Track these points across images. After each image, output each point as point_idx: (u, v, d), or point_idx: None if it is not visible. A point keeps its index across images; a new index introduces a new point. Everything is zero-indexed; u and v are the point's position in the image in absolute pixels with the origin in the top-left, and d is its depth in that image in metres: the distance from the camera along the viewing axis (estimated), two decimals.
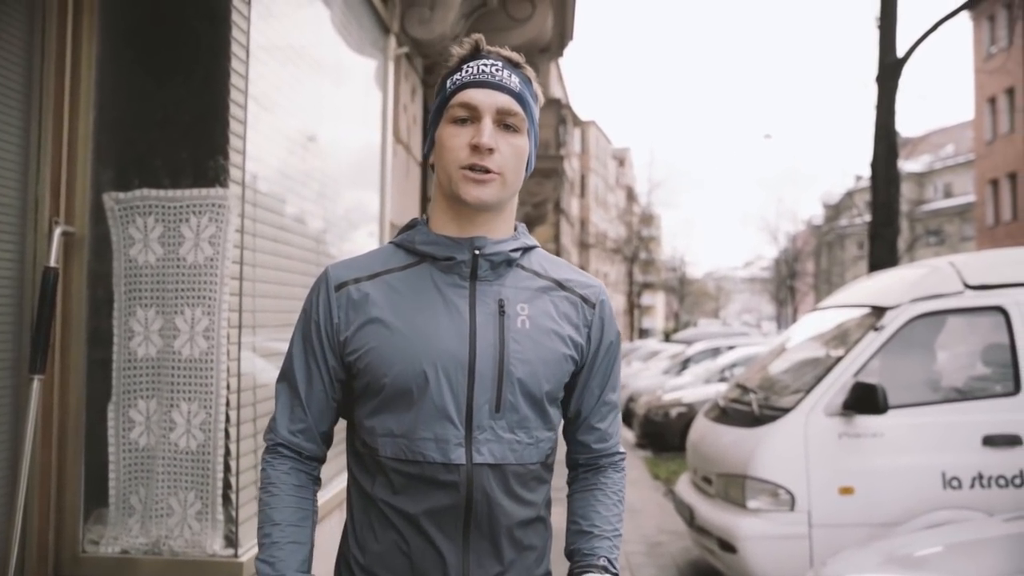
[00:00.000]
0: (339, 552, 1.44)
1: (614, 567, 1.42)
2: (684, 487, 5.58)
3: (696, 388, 12.08)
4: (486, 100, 1.32)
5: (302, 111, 3.14)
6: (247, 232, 2.55)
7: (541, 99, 1.42)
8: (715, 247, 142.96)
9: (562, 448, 1.51)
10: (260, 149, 2.68)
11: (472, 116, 1.33)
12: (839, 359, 4.64)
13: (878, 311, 4.75)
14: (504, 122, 1.33)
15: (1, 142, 2.19)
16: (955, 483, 4.29)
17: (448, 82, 1.36)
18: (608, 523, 1.47)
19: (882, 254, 8.62)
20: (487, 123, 1.31)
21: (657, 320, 69.44)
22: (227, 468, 2.39)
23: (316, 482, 1.43)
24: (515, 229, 1.44)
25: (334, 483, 3.06)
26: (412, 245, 1.40)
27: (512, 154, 1.34)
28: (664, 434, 11.04)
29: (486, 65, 1.34)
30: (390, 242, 1.45)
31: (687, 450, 5.92)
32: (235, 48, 2.44)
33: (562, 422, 1.47)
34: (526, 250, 1.42)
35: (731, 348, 15.22)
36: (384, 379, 1.31)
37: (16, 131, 2.25)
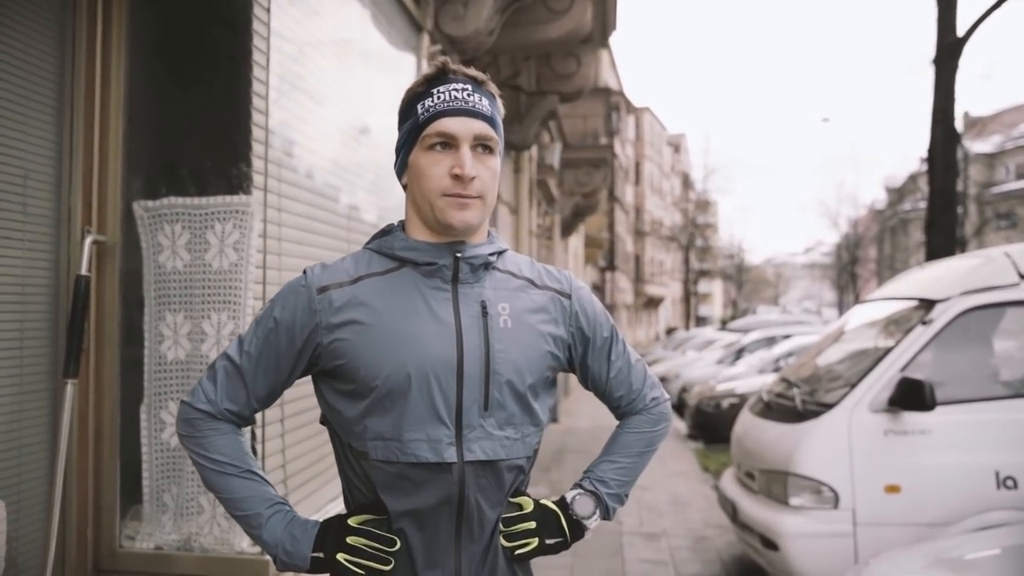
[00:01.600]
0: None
1: (608, 486, 1.54)
2: (728, 482, 5.51)
3: (749, 379, 11.87)
4: (462, 128, 1.35)
5: (331, 114, 3.18)
6: (272, 236, 2.61)
7: (502, 110, 1.46)
8: (774, 233, 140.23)
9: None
10: (287, 154, 2.73)
11: (449, 143, 1.36)
12: (885, 354, 4.51)
13: (927, 304, 4.60)
14: (479, 148, 1.37)
15: (35, 155, 2.28)
16: (1010, 483, 4.14)
17: (419, 107, 1.38)
18: (616, 448, 1.58)
19: (940, 242, 8.33)
20: (466, 152, 1.35)
21: (715, 308, 68.53)
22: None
23: (242, 434, 1.48)
24: (488, 234, 1.48)
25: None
26: (391, 251, 1.42)
27: (490, 176, 1.39)
28: (715, 426, 10.89)
29: (457, 90, 1.37)
30: (366, 247, 1.47)
31: (731, 445, 5.84)
32: (256, 56, 2.48)
33: (548, 414, 1.50)
34: (500, 253, 1.47)
35: (787, 337, 14.91)
36: (373, 383, 1.33)
37: (49, 144, 2.33)
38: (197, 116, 2.53)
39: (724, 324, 32.26)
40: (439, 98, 1.36)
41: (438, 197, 1.35)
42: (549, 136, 11.95)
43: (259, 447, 2.51)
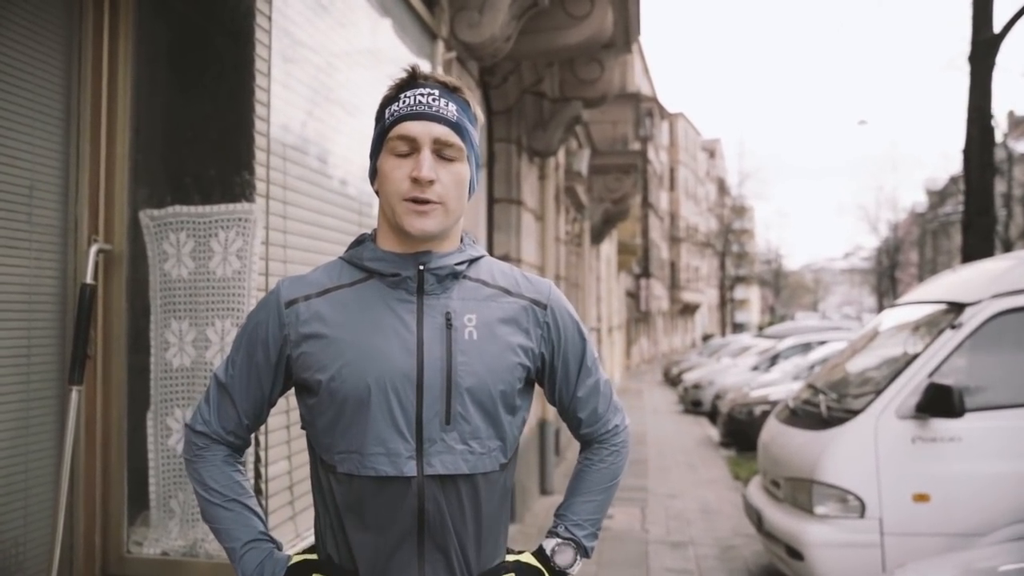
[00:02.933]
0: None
1: (583, 527, 1.52)
2: (754, 490, 5.42)
3: (783, 385, 11.68)
4: (423, 132, 1.35)
5: (340, 122, 3.19)
6: (277, 244, 2.62)
7: (480, 119, 1.45)
8: (812, 238, 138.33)
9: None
10: (293, 162, 2.75)
11: (411, 147, 1.35)
12: (913, 358, 4.40)
13: (956, 307, 4.48)
14: (441, 153, 1.36)
15: (42, 166, 2.32)
16: None
17: (387, 112, 1.39)
18: (585, 487, 1.56)
19: (977, 244, 8.12)
20: (426, 155, 1.34)
21: (752, 314, 67.71)
22: (257, 475, 2.46)
23: (240, 461, 1.52)
24: (461, 241, 1.46)
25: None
26: (360, 261, 1.42)
27: (453, 182, 1.37)
28: (748, 433, 10.70)
29: (422, 95, 1.37)
30: (340, 256, 1.48)
31: (758, 452, 5.75)
32: (258, 65, 2.50)
33: (521, 427, 1.48)
34: (472, 261, 1.45)
35: (822, 343, 14.66)
36: (336, 396, 1.34)
37: (56, 155, 2.37)
38: (201, 125, 2.56)
39: (761, 330, 31.84)
40: (404, 102, 1.37)
41: (399, 201, 1.35)
42: (577, 142, 11.92)
43: (263, 454, 2.52)
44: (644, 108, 31.17)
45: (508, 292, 1.45)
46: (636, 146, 16.70)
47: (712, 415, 14.93)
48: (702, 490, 8.49)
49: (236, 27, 2.53)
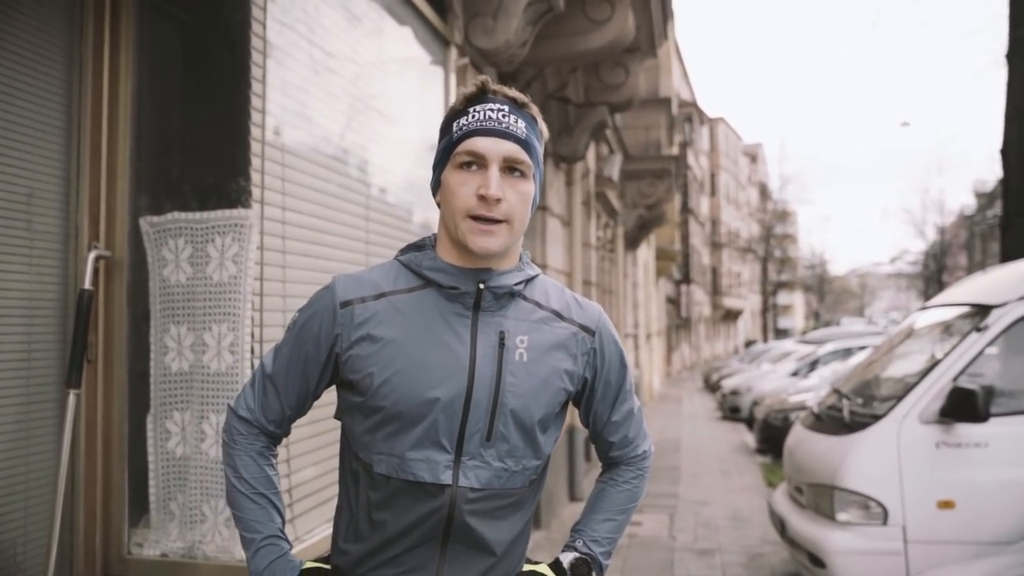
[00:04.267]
0: (332, 546, 1.51)
1: (601, 545, 1.54)
2: (779, 497, 5.32)
3: (821, 392, 11.47)
4: (493, 148, 1.35)
5: (345, 127, 3.23)
6: (275, 249, 2.66)
7: (546, 134, 1.45)
8: (856, 242, 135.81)
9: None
10: (293, 168, 2.78)
11: (479, 163, 1.35)
12: (937, 362, 4.29)
13: (983, 310, 4.36)
14: (510, 167, 1.36)
15: (43, 174, 2.38)
16: None
17: (455, 126, 1.39)
18: (606, 506, 1.58)
19: (1016, 246, 7.86)
20: (494, 172, 1.34)
21: (796, 319, 66.65)
22: None
23: (274, 454, 1.54)
24: (520, 259, 1.47)
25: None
26: (419, 269, 1.43)
27: (519, 201, 1.37)
28: (782, 439, 10.48)
29: (492, 110, 1.37)
30: (396, 259, 1.49)
31: (783, 458, 5.65)
32: (254, 72, 2.55)
33: (555, 443, 1.51)
34: (528, 281, 1.46)
35: (863, 348, 14.35)
36: (383, 402, 1.36)
37: (57, 163, 2.44)
38: (199, 133, 2.61)
39: (803, 335, 31.30)
40: (474, 117, 1.37)
41: (463, 218, 1.35)
42: (608, 148, 11.88)
43: None
44: (683, 113, 30.93)
45: (560, 316, 1.47)
46: (673, 151, 16.58)
47: (750, 421, 14.70)
48: (734, 497, 8.36)
49: (231, 36, 2.58)
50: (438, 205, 1.44)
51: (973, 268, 37.52)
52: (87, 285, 2.37)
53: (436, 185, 1.44)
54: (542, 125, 1.44)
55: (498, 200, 1.33)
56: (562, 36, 5.95)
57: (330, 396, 1.51)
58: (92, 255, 2.41)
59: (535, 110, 1.42)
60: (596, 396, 1.52)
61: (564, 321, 1.46)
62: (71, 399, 2.31)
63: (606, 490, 1.60)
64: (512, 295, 1.41)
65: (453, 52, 4.39)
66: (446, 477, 1.34)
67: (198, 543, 2.49)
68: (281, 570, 1.41)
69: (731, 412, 16.36)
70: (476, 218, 1.33)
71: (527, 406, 1.38)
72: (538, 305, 1.45)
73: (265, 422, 1.47)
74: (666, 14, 7.94)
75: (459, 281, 1.38)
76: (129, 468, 2.55)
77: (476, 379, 1.35)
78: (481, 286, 1.37)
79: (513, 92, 1.41)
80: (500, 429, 1.36)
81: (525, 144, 1.37)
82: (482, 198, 1.32)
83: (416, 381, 1.34)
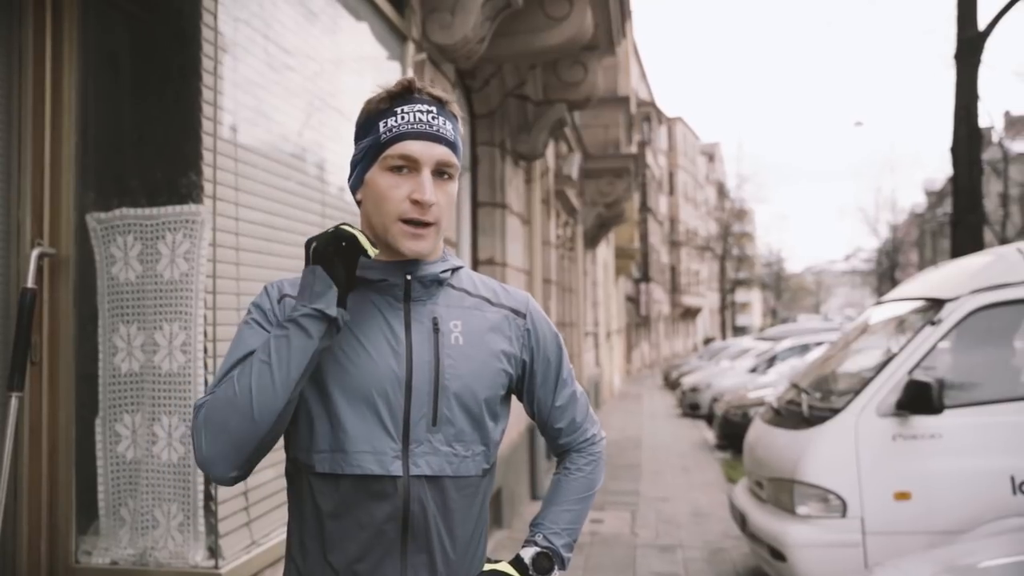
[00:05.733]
0: (285, 564, 1.45)
1: (561, 536, 1.51)
2: (739, 492, 5.37)
3: (780, 387, 11.63)
4: (426, 152, 1.34)
5: (299, 122, 3.16)
6: (228, 246, 2.58)
7: (461, 131, 1.45)
8: (813, 241, 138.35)
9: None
10: (246, 163, 2.71)
11: (410, 166, 1.35)
12: (893, 356, 4.35)
13: (936, 303, 4.43)
14: (440, 173, 1.37)
15: None
16: None
17: (382, 126, 1.36)
18: (562, 496, 1.56)
19: (966, 242, 8.07)
20: (427, 176, 1.34)
21: (754, 317, 67.60)
22: (207, 480, 2.41)
23: None
24: (442, 252, 1.48)
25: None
26: None
27: (447, 202, 1.39)
28: (742, 435, 10.56)
29: (422, 112, 1.36)
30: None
31: (744, 454, 5.70)
32: (205, 64, 2.47)
33: (502, 437, 1.50)
34: (454, 270, 1.47)
35: (820, 344, 14.59)
36: (323, 395, 1.34)
37: None
38: (148, 126, 2.52)
39: (762, 333, 31.75)
40: (403, 119, 1.35)
41: (394, 221, 1.35)
42: (568, 146, 11.89)
43: None
44: (642, 113, 31.12)
45: (490, 302, 1.48)
46: (632, 150, 16.66)
47: (709, 418, 14.85)
48: (694, 493, 8.43)
49: (181, 28, 2.50)
50: (358, 203, 1.44)
51: (924, 265, 38.44)
52: (30, 284, 2.28)
53: (357, 184, 1.42)
54: (460, 124, 1.46)
55: (432, 205, 1.34)
56: (520, 33, 5.93)
57: None
58: (35, 253, 2.32)
59: (456, 109, 1.44)
60: (536, 381, 1.52)
61: (494, 306, 1.48)
62: (13, 403, 2.21)
63: (561, 480, 1.59)
64: (440, 283, 1.43)
65: (411, 48, 4.34)
66: (395, 468, 1.32)
67: (150, 549, 2.42)
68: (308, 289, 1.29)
69: (691, 409, 16.52)
70: (408, 221, 1.34)
71: (469, 386, 1.38)
72: (467, 293, 1.47)
73: None
74: (624, 12, 7.97)
75: (387, 274, 1.38)
76: (77, 473, 2.46)
77: (415, 364, 1.35)
78: (409, 277, 1.39)
79: (437, 91, 1.41)
80: (445, 412, 1.36)
81: (453, 147, 1.38)
82: (415, 202, 1.33)
83: (354, 371, 1.33)
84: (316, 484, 1.35)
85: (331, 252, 1.31)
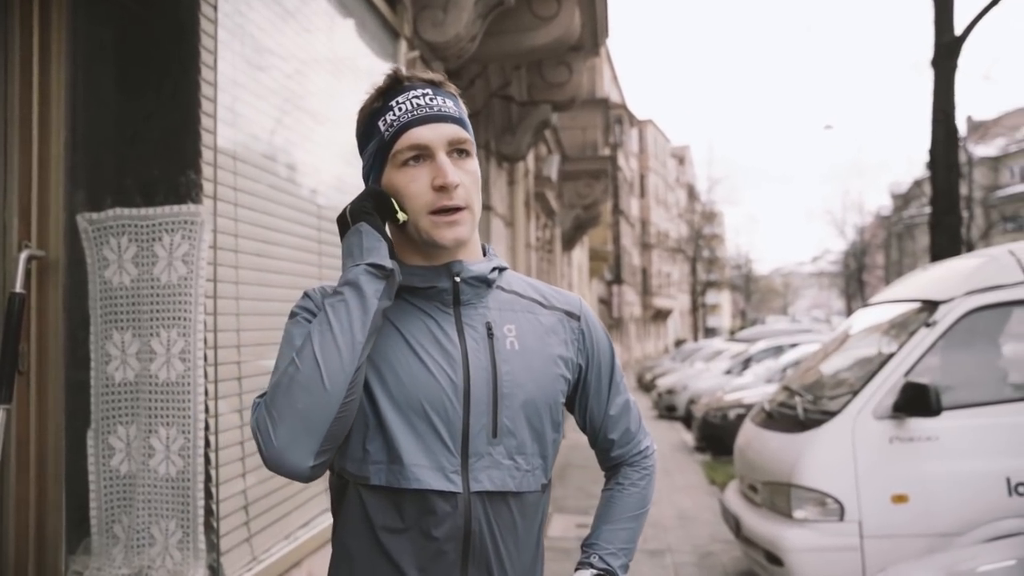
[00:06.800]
0: None
1: (618, 557, 1.42)
2: (731, 495, 5.33)
3: (757, 388, 11.68)
4: (434, 135, 1.25)
5: (295, 121, 3.05)
6: (227, 248, 2.47)
7: (464, 108, 1.35)
8: (781, 243, 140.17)
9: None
10: (245, 162, 2.60)
11: (423, 154, 1.25)
12: (888, 358, 4.34)
13: (930, 305, 4.43)
14: (456, 149, 1.27)
15: None
16: (1022, 489, 3.96)
17: (381, 124, 1.26)
18: (617, 514, 1.47)
19: (945, 243, 8.16)
20: (443, 159, 1.24)
21: (724, 318, 68.17)
22: (208, 495, 2.30)
23: None
24: (484, 251, 1.38)
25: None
26: None
27: (471, 181, 1.29)
28: (723, 437, 10.66)
29: (418, 96, 1.26)
30: None
31: (734, 456, 5.66)
32: (204, 58, 2.36)
33: (557, 449, 1.40)
34: (500, 269, 1.37)
35: (794, 346, 14.70)
36: (373, 405, 1.24)
37: None
38: (144, 123, 2.39)
39: (733, 335, 32.01)
40: (401, 108, 1.25)
41: (423, 216, 1.25)
42: (547, 148, 11.84)
43: (215, 472, 2.36)
44: (614, 115, 31.24)
45: (542, 304, 1.40)
46: (606, 152, 16.67)
47: (686, 420, 14.89)
48: (678, 496, 8.40)
49: (180, 22, 2.38)
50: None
51: (890, 266, 39.06)
52: (18, 288, 2.14)
53: None
54: (461, 100, 1.36)
55: (457, 186, 1.25)
56: (509, 32, 5.86)
57: None
58: (23, 255, 2.18)
59: (452, 86, 1.34)
60: (591, 387, 1.44)
61: (547, 308, 1.40)
62: (1, 415, 2.08)
63: (614, 497, 1.50)
64: (488, 285, 1.34)
65: (403, 45, 4.25)
66: (455, 482, 1.23)
67: (146, 568, 2.29)
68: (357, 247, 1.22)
69: (667, 411, 16.54)
70: (437, 211, 1.25)
71: (529, 396, 1.30)
72: (518, 295, 1.38)
73: None
74: (607, 11, 7.94)
75: (432, 279, 1.29)
76: (67, 489, 2.32)
77: (472, 372, 1.26)
78: (457, 279, 1.29)
79: (428, 74, 1.32)
80: (505, 423, 1.27)
81: (460, 122, 1.29)
82: (440, 188, 1.24)
83: (408, 380, 1.24)
84: (368, 496, 1.25)
85: (370, 207, 1.23)
